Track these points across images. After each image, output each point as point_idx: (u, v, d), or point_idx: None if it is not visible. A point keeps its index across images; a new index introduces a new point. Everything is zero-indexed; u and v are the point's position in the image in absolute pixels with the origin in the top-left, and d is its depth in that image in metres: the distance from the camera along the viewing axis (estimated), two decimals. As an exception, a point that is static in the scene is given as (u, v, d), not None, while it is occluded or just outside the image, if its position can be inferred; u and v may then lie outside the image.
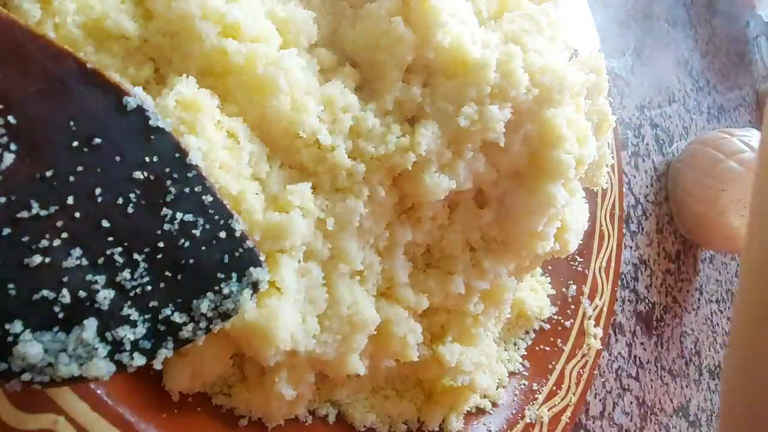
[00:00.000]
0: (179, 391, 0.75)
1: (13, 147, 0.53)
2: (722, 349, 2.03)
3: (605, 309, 1.27)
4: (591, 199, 1.27)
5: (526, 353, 1.16)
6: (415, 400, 0.99)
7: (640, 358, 1.64)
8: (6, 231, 0.52)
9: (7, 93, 0.53)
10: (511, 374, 1.12)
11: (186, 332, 0.60)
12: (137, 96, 0.59)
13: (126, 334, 0.57)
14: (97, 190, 0.56)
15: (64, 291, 0.54)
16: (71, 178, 0.55)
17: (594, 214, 1.29)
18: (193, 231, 0.61)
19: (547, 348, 1.18)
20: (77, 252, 0.55)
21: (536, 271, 1.23)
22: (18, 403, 0.61)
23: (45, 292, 0.53)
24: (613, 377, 1.52)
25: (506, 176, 0.89)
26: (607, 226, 1.32)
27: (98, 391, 0.67)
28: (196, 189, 0.61)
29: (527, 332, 1.19)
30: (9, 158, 0.53)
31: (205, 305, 0.60)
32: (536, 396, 1.11)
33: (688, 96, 2.09)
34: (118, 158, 0.57)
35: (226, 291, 0.62)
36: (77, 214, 0.55)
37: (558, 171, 0.86)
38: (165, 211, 0.59)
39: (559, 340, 1.19)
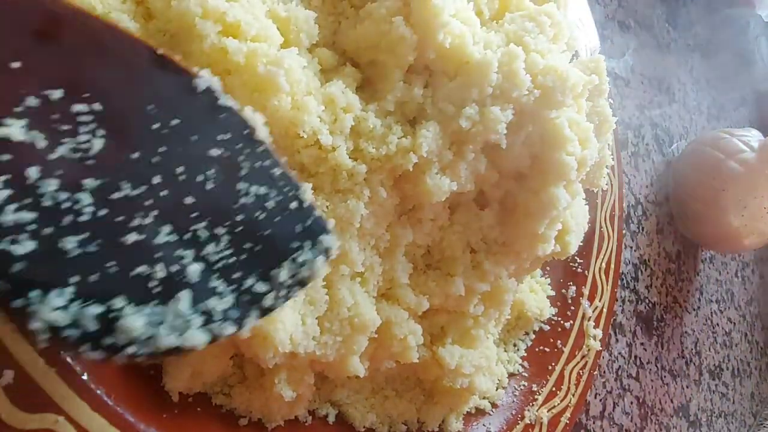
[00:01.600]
0: (179, 391, 0.76)
1: (100, 133, 0.56)
2: (722, 349, 2.04)
3: (605, 310, 1.27)
4: (591, 201, 1.26)
5: (525, 354, 1.16)
6: (414, 401, 0.98)
7: (640, 358, 1.64)
8: (102, 212, 0.54)
9: (90, 82, 0.56)
10: (511, 375, 1.12)
11: (269, 300, 0.61)
12: (205, 77, 0.61)
13: (216, 305, 0.58)
14: (179, 169, 0.59)
15: (158, 266, 0.56)
16: (155, 159, 0.58)
17: (594, 216, 1.29)
18: (267, 203, 0.63)
19: (547, 349, 1.18)
20: (166, 229, 0.57)
21: (536, 272, 1.23)
22: (18, 402, 0.61)
23: (141, 268, 0.55)
24: (614, 377, 1.52)
25: (508, 177, 0.89)
26: (606, 227, 1.32)
27: (98, 391, 0.68)
28: (265, 163, 0.64)
29: (527, 333, 1.18)
30: (99, 143, 0.55)
31: (284, 274, 0.62)
32: (536, 397, 1.11)
33: (688, 96, 2.10)
34: (194, 137, 0.60)
35: (301, 259, 0.63)
36: (163, 193, 0.58)
37: (560, 173, 0.85)
38: (240, 185, 0.62)
39: (559, 342, 1.19)
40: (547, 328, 1.19)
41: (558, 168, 0.85)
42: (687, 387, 1.82)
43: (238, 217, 0.61)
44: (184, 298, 0.56)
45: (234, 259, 0.60)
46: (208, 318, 0.57)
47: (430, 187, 0.79)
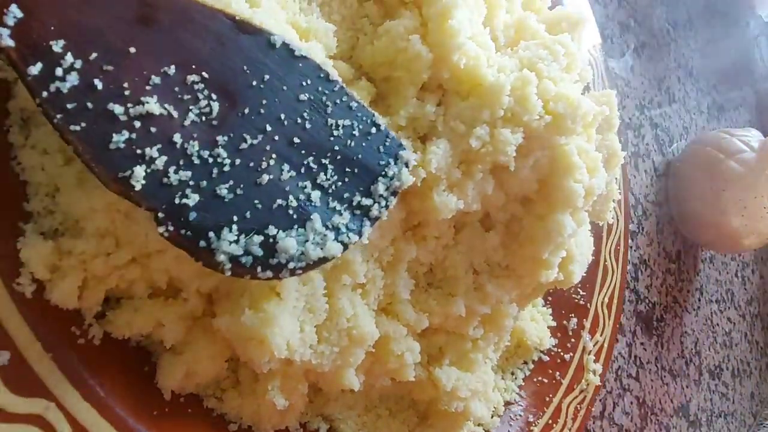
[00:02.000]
0: (172, 389, 0.76)
1: (215, 96, 0.66)
2: (722, 349, 2.04)
3: (606, 345, 1.26)
4: (596, 234, 1.26)
5: (523, 384, 1.14)
6: (407, 422, 0.98)
7: (640, 358, 1.65)
8: (238, 161, 0.67)
9: (193, 54, 0.65)
10: (507, 404, 1.10)
11: (375, 211, 0.73)
12: (278, 34, 0.71)
13: (339, 220, 0.71)
14: (282, 116, 0.70)
15: (290, 197, 0.69)
16: (262, 111, 0.69)
17: (598, 249, 1.28)
18: (353, 132, 0.75)
19: (545, 380, 1.16)
20: (287, 167, 0.69)
21: (538, 301, 1.22)
22: (11, 384, 0.63)
23: (279, 201, 0.68)
24: (614, 377, 1.52)
25: (514, 201, 0.90)
26: (611, 261, 1.31)
27: (91, 381, 0.68)
28: (343, 99, 0.75)
29: (525, 362, 1.17)
30: (216, 106, 0.66)
31: (381, 188, 0.74)
32: (531, 428, 1.10)
33: (688, 96, 2.09)
34: (284, 88, 0.71)
35: (390, 173, 0.75)
36: (276, 137, 0.69)
37: (567, 200, 0.86)
38: (330, 121, 0.73)
39: (558, 373, 1.18)
40: (546, 358, 1.18)
41: (565, 194, 0.86)
42: (687, 387, 1.82)
43: (336, 147, 0.73)
44: (317, 219, 0.69)
45: (341, 182, 0.73)
46: (337, 232, 0.71)
47: (436, 204, 0.79)
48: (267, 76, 0.69)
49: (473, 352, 0.95)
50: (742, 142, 1.76)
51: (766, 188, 1.70)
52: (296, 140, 0.70)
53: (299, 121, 0.71)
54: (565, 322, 1.23)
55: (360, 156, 0.74)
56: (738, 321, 2.19)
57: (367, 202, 0.73)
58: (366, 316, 0.80)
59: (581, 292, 1.26)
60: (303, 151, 0.71)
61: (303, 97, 0.72)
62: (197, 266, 0.65)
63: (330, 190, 0.72)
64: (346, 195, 0.73)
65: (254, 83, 0.69)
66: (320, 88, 0.73)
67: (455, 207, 0.80)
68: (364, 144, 0.75)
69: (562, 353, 1.20)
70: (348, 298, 0.79)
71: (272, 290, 0.72)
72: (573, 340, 1.22)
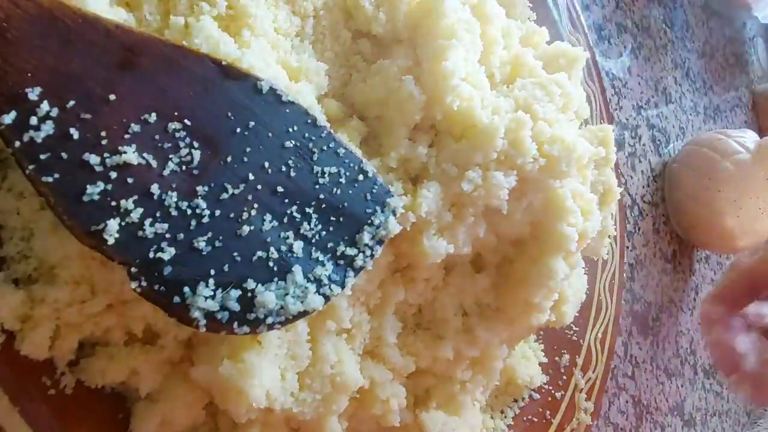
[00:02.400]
0: (147, 438, 0.74)
1: (196, 144, 0.64)
2: (717, 348, 2.04)
3: (598, 383, 1.23)
4: (590, 268, 1.25)
5: (512, 423, 1.11)
6: (393, 467, 0.95)
7: (635, 357, 1.65)
8: (218, 212, 0.65)
9: (175, 101, 0.64)
10: None
11: (359, 261, 0.72)
12: (266, 79, 0.69)
13: (321, 272, 0.70)
14: (266, 163, 0.68)
15: (271, 249, 0.67)
16: (245, 159, 0.67)
17: (593, 284, 1.26)
18: (339, 179, 0.73)
19: (535, 419, 1.13)
20: (269, 216, 0.68)
21: (530, 337, 1.19)
22: None
23: (259, 253, 0.67)
24: (609, 376, 1.52)
25: (506, 243, 0.89)
26: (605, 296, 1.29)
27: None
28: (330, 145, 0.73)
29: (515, 400, 1.14)
30: (197, 154, 0.64)
31: (366, 237, 0.73)
32: None
33: (684, 97, 2.09)
34: (270, 134, 0.69)
35: (376, 222, 0.74)
36: (259, 186, 0.68)
37: (560, 244, 0.85)
38: (315, 168, 0.72)
39: (548, 412, 1.15)
40: (537, 396, 1.15)
41: (558, 239, 0.85)
42: (682, 386, 1.83)
43: (321, 196, 0.71)
44: (298, 271, 0.68)
45: (325, 232, 0.71)
46: (319, 284, 0.69)
47: (426, 249, 0.78)
48: (252, 123, 0.68)
49: (461, 394, 0.93)
50: (737, 143, 1.74)
51: (761, 189, 1.68)
52: (280, 189, 0.69)
53: (284, 168, 0.70)
54: (557, 358, 1.21)
55: (346, 204, 0.73)
56: (733, 321, 2.17)
57: (351, 251, 0.72)
58: (350, 363, 0.78)
59: (574, 328, 1.24)
60: (286, 200, 0.70)
61: (288, 143, 0.70)
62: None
63: (313, 240, 0.71)
64: (330, 245, 0.72)
65: (238, 130, 0.67)
66: (307, 134, 0.72)
67: (445, 251, 0.79)
68: (350, 191, 0.74)
69: (553, 391, 1.17)
70: (332, 344, 0.77)
71: (253, 338, 0.70)
72: (564, 377, 1.19)
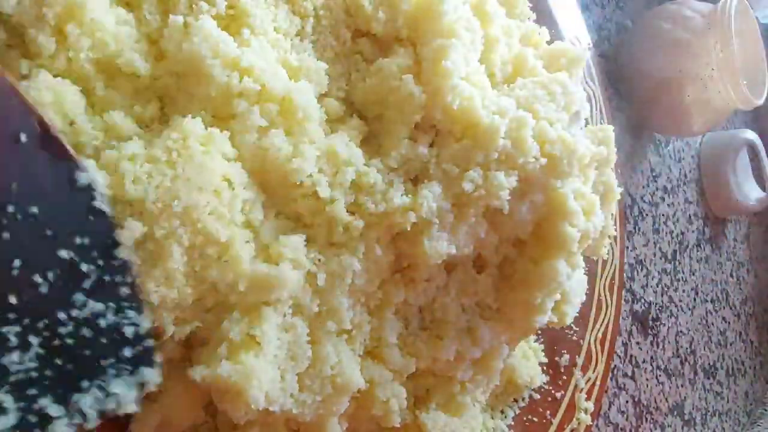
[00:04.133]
0: (146, 439, 0.73)
1: None
2: (717, 348, 2.05)
3: (598, 383, 1.23)
4: (590, 268, 1.24)
5: (512, 423, 1.11)
6: (392, 468, 0.95)
7: (635, 357, 1.65)
8: None
9: None
10: None
11: (57, 427, 0.56)
12: (89, 172, 0.57)
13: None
14: (16, 262, 0.54)
15: None
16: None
17: (593, 284, 1.26)
18: (99, 321, 0.58)
19: (535, 419, 1.13)
20: None
21: (530, 337, 1.18)
22: None
23: None
24: (609, 376, 1.52)
25: (508, 243, 0.88)
26: (605, 296, 1.29)
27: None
28: (116, 279, 0.59)
29: (516, 400, 1.13)
30: None
31: (87, 401, 0.57)
32: None
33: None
34: (49, 233, 0.55)
35: (112, 389, 0.59)
36: None
37: (562, 244, 0.85)
38: (77, 296, 0.57)
39: (548, 412, 1.15)
40: (537, 396, 1.15)
41: (560, 239, 0.85)
42: (682, 386, 1.83)
43: (61, 330, 0.56)
44: None
45: (36, 373, 0.55)
46: None
47: (427, 249, 0.77)
48: (35, 210, 0.55)
49: (461, 394, 0.92)
50: (691, 10, 1.64)
51: (716, 56, 1.57)
52: (12, 300, 0.54)
53: (36, 279, 0.55)
54: (557, 358, 1.20)
55: (89, 353, 0.58)
56: (733, 320, 2.20)
57: (54, 411, 0.56)
58: (351, 363, 0.77)
59: (574, 328, 1.23)
60: (11, 316, 0.54)
61: (64, 254, 0.57)
62: (173, 314, 0.62)
63: (12, 378, 0.54)
64: (32, 392, 0.55)
65: (11, 209, 0.54)
66: (95, 255, 0.58)
67: (446, 252, 0.78)
68: (104, 341, 0.59)
69: (553, 391, 1.17)
70: (333, 345, 0.76)
71: (252, 339, 0.68)
72: (564, 377, 1.19)
